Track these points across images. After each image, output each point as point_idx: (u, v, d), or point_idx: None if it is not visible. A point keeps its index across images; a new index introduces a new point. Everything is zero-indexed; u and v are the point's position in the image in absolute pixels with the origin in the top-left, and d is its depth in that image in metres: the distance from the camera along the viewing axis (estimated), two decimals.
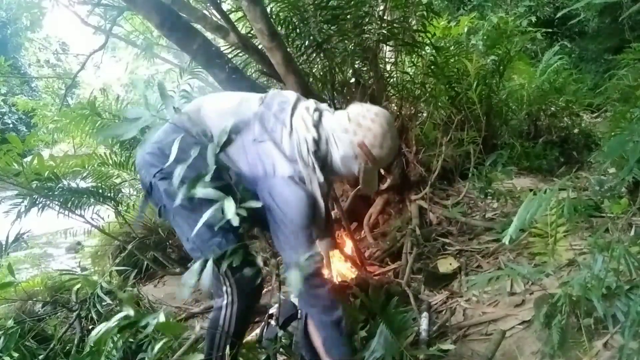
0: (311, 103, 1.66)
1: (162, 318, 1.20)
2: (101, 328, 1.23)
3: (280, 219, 1.52)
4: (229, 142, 1.32)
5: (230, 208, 1.19)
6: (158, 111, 1.25)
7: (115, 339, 1.68)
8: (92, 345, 1.71)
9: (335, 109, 1.74)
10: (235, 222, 1.18)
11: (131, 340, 1.98)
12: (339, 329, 1.58)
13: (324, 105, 1.70)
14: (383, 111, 1.63)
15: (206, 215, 1.22)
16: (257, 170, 1.54)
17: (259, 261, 1.61)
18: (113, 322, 1.22)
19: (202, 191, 1.21)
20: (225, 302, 1.64)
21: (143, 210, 1.81)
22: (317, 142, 1.55)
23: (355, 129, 1.55)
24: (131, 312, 1.22)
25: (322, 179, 1.55)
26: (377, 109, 1.63)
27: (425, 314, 2.14)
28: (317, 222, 1.61)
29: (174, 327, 1.34)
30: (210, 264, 1.19)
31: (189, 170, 1.24)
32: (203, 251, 1.60)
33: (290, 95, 1.70)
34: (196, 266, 1.20)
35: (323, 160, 1.58)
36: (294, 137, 1.55)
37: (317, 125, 1.58)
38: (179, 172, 1.24)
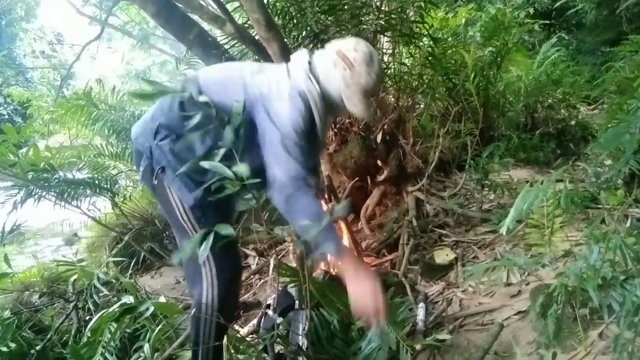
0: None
1: (162, 299, 1.22)
2: (100, 314, 1.24)
3: (271, 131, 1.55)
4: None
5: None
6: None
7: (112, 329, 1.68)
8: (90, 335, 1.72)
9: None
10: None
11: (128, 330, 1.98)
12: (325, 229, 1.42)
13: None
14: None
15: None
16: (255, 94, 1.61)
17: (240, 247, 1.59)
18: (112, 308, 1.23)
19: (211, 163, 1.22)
20: (205, 285, 1.63)
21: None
22: (310, 64, 1.71)
23: (329, 47, 1.76)
24: (131, 299, 1.23)
25: (319, 89, 1.66)
26: None
27: (421, 304, 2.15)
28: (315, 141, 1.70)
29: (171, 307, 1.35)
30: (211, 236, 1.15)
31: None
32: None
33: None
34: (197, 236, 1.16)
35: (316, 78, 1.69)
36: (290, 65, 1.73)
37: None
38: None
